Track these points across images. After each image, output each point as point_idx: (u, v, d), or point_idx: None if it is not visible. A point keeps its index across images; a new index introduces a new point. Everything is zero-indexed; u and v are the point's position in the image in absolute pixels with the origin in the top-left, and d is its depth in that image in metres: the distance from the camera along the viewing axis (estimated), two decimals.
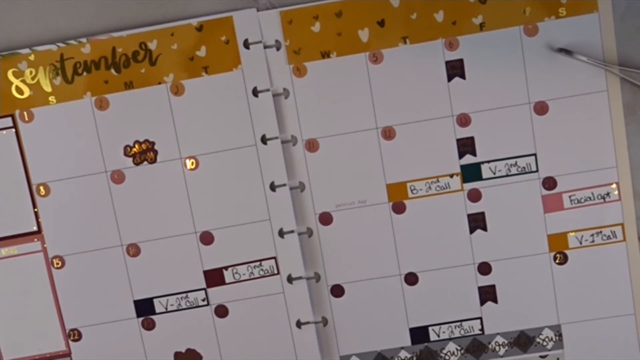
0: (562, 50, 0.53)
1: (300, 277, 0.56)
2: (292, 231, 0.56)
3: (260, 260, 0.56)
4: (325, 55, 0.54)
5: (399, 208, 0.55)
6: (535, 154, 0.54)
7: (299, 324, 0.56)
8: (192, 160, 0.55)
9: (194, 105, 0.55)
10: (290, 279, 0.56)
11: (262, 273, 0.56)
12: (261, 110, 0.55)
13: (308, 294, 0.56)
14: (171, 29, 0.54)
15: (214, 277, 0.56)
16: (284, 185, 0.55)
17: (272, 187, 0.55)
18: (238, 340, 0.57)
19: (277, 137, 0.55)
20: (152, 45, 0.54)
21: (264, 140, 0.55)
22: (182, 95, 0.55)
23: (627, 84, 0.53)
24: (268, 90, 0.55)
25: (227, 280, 0.56)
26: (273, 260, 0.56)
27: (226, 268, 0.56)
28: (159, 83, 0.55)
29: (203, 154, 0.55)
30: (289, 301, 0.56)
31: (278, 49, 0.54)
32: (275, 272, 0.56)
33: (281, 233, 0.56)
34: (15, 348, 0.58)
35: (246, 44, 0.54)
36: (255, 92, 0.54)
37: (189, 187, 0.55)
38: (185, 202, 0.55)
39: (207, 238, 0.56)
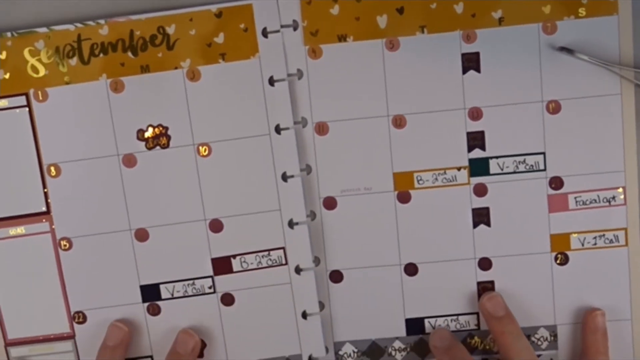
0: (563, 48, 0.53)
1: (308, 269, 0.56)
2: (302, 222, 0.55)
3: (268, 250, 0.56)
4: (341, 38, 0.54)
5: (404, 197, 0.55)
6: (544, 153, 0.54)
7: (304, 315, 0.56)
8: (205, 147, 0.55)
9: (209, 92, 0.54)
10: (298, 270, 0.56)
11: (270, 263, 0.56)
12: (277, 99, 0.54)
13: (315, 285, 0.56)
14: (190, 14, 0.54)
15: (222, 265, 0.56)
16: (296, 175, 0.55)
17: (284, 177, 0.55)
18: (243, 328, 0.57)
19: (291, 127, 0.54)
20: (171, 30, 0.54)
21: (277, 129, 0.55)
22: (198, 81, 0.54)
23: None
24: (284, 79, 0.54)
25: (234, 269, 0.56)
26: (282, 251, 0.56)
27: (234, 256, 0.56)
28: (176, 68, 0.55)
29: (216, 141, 0.55)
30: (296, 292, 0.56)
31: (295, 29, 0.54)
32: (284, 262, 0.56)
33: (291, 224, 0.55)
34: (19, 328, 0.57)
35: (264, 33, 0.54)
36: (271, 81, 0.54)
37: (201, 174, 0.55)
38: (196, 189, 0.55)
39: (216, 226, 0.56)
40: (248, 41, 0.54)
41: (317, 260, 0.55)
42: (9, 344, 0.58)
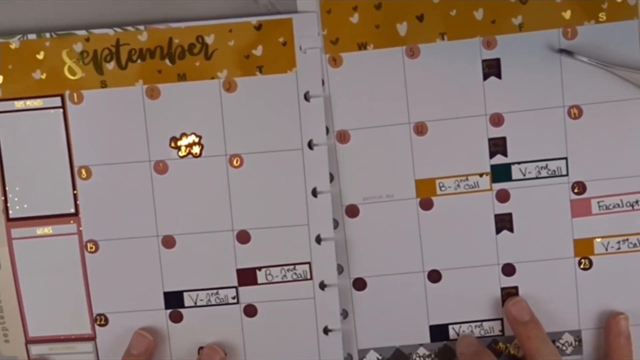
0: (563, 51, 0.53)
1: (332, 285, 0.56)
2: (329, 238, 0.55)
3: (294, 264, 0.56)
4: (362, 46, 0.54)
5: (426, 204, 0.55)
6: (566, 158, 0.54)
7: (326, 331, 0.56)
8: (237, 158, 0.55)
9: (244, 104, 0.55)
10: (322, 286, 0.56)
11: (295, 277, 0.56)
12: (311, 115, 0.55)
13: (339, 302, 0.56)
14: (230, 25, 0.54)
15: (247, 277, 0.56)
16: (326, 192, 0.55)
17: (314, 193, 0.55)
18: (264, 341, 0.57)
19: (324, 144, 0.55)
20: (209, 40, 0.54)
21: (310, 145, 0.55)
22: (234, 92, 0.55)
23: None
24: (320, 95, 0.54)
25: (259, 281, 0.56)
26: (307, 266, 0.56)
27: (260, 269, 0.56)
28: (212, 78, 0.55)
29: (248, 153, 0.55)
30: (319, 307, 0.56)
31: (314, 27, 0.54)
32: (309, 277, 0.56)
33: (318, 239, 0.56)
34: (41, 326, 0.58)
35: (302, 48, 0.54)
36: (307, 97, 0.55)
37: (231, 184, 0.55)
38: (225, 199, 0.55)
39: (243, 237, 0.56)
40: (286, 55, 0.55)
41: (340, 269, 0.55)
42: (29, 341, 0.58)
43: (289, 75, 0.55)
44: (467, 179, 0.55)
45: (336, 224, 0.55)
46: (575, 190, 0.54)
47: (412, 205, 0.55)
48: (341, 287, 0.56)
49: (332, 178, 0.55)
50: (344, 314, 0.56)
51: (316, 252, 0.56)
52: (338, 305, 0.56)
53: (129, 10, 0.55)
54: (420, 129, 0.54)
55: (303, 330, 0.57)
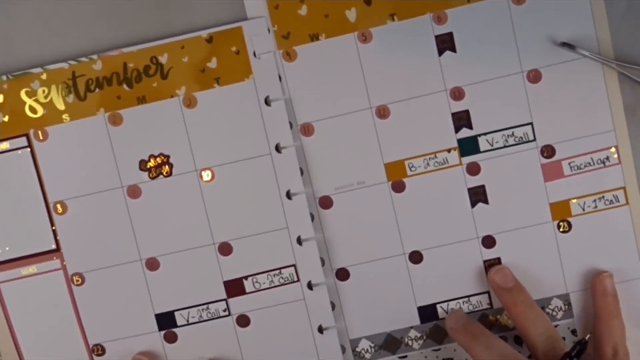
0: (565, 44, 0.53)
1: (320, 283, 0.56)
2: (310, 238, 0.55)
3: (279, 269, 0.56)
4: (314, 37, 0.54)
5: (398, 187, 0.55)
6: (531, 123, 0.54)
7: (320, 329, 0.56)
8: (208, 171, 0.55)
9: (207, 117, 0.55)
10: (310, 286, 0.56)
11: (282, 281, 0.56)
12: (274, 118, 0.55)
13: (329, 299, 0.56)
14: (181, 41, 0.54)
15: (234, 287, 0.56)
16: (300, 193, 0.55)
17: (289, 195, 0.55)
18: (260, 348, 0.57)
19: (291, 146, 0.55)
20: (163, 59, 0.55)
21: (278, 148, 0.55)
22: (195, 107, 0.55)
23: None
24: (280, 99, 0.54)
25: (247, 290, 0.56)
26: (292, 268, 0.56)
27: (246, 278, 0.56)
28: (172, 96, 0.55)
29: (218, 165, 0.55)
30: (310, 307, 0.56)
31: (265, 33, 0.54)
32: (295, 279, 0.56)
33: (299, 240, 0.56)
34: None
35: (256, 54, 0.54)
36: (267, 101, 0.55)
37: (206, 198, 0.55)
38: (202, 214, 0.56)
39: (225, 249, 0.56)
40: (241, 63, 0.55)
41: (322, 261, 0.55)
42: None
43: (246, 83, 0.55)
44: (435, 157, 0.54)
45: (312, 217, 0.55)
46: (545, 154, 0.54)
47: (384, 190, 0.55)
48: (325, 280, 0.56)
49: (302, 172, 0.55)
50: (332, 306, 0.56)
51: (299, 253, 0.56)
52: (329, 303, 0.56)
53: (80, 42, 0.55)
54: (383, 112, 0.54)
55: (298, 332, 0.57)
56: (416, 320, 0.56)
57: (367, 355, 0.57)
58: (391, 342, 0.57)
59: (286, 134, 0.54)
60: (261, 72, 0.54)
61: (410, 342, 0.57)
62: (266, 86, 0.54)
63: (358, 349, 0.57)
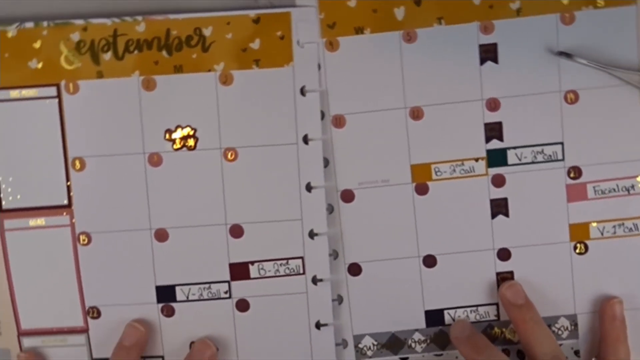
0: (562, 53, 0.53)
1: (325, 279, 0.56)
2: (322, 233, 0.55)
3: (287, 259, 0.56)
4: (359, 31, 0.54)
5: (422, 189, 0.55)
6: (562, 143, 0.54)
7: (318, 325, 0.56)
8: (232, 151, 0.55)
9: (240, 97, 0.54)
10: (315, 280, 0.56)
11: (287, 272, 0.56)
12: (307, 109, 0.54)
13: (331, 296, 0.56)
14: (228, 17, 0.54)
15: (239, 271, 0.56)
16: (320, 187, 0.55)
17: (308, 187, 0.55)
18: (256, 335, 0.57)
19: (319, 138, 0.54)
20: (207, 32, 0.54)
21: (305, 140, 0.54)
22: (230, 85, 0.54)
23: None
24: (316, 90, 0.54)
25: (252, 275, 0.56)
26: (300, 260, 0.56)
27: (252, 263, 0.56)
28: (209, 70, 0.55)
29: (243, 147, 0.55)
30: (311, 302, 0.56)
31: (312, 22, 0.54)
32: (301, 272, 0.56)
33: (312, 234, 0.55)
34: (33, 318, 0.57)
35: (300, 42, 0.54)
36: (303, 91, 0.54)
37: (225, 178, 0.55)
38: (219, 193, 0.55)
39: (236, 231, 0.56)
40: (283, 49, 0.54)
41: (335, 253, 0.55)
42: (22, 333, 0.57)
43: (285, 70, 0.54)
44: (462, 164, 0.55)
45: (331, 209, 0.55)
46: (571, 175, 0.54)
47: (407, 190, 0.55)
48: (336, 273, 0.56)
49: (327, 163, 0.55)
50: (339, 299, 0.56)
51: (309, 247, 0.55)
52: (330, 300, 0.56)
53: (127, 1, 0.54)
54: (416, 113, 0.54)
55: (295, 325, 0.57)
56: (422, 324, 0.56)
57: (369, 353, 0.57)
58: (394, 342, 0.57)
59: (316, 126, 0.54)
60: (301, 61, 0.54)
61: (413, 345, 0.57)
62: (304, 76, 0.54)
63: (360, 345, 0.57)
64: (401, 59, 0.54)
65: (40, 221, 0.56)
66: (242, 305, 0.56)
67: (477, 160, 0.55)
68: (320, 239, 0.55)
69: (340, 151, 0.55)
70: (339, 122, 0.55)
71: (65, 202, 0.56)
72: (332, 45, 0.54)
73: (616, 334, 0.54)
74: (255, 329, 0.57)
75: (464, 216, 0.55)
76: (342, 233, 0.56)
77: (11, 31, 0.55)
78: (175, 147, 0.55)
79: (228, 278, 0.56)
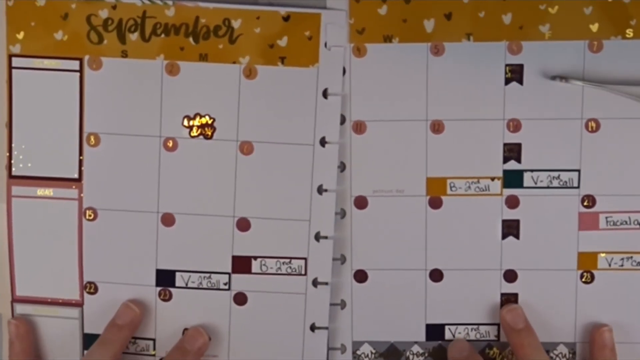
0: (556, 77, 0.53)
1: (325, 283, 0.55)
2: (328, 237, 0.55)
3: (290, 258, 0.56)
4: (387, 39, 0.54)
5: (435, 203, 0.55)
6: (579, 170, 0.54)
7: (312, 328, 0.56)
8: (248, 145, 0.55)
9: (262, 92, 0.55)
10: (315, 283, 0.56)
11: (289, 271, 0.56)
12: (327, 112, 0.55)
13: (329, 300, 0.56)
14: (258, 12, 0.54)
15: (241, 264, 0.56)
16: (331, 190, 0.55)
17: (320, 190, 0.55)
18: (250, 330, 0.57)
19: (336, 142, 0.55)
20: (236, 24, 0.54)
21: (322, 142, 0.55)
22: (254, 79, 0.55)
23: None
24: (339, 94, 0.54)
25: (253, 270, 0.56)
26: (303, 261, 0.56)
27: (255, 258, 0.56)
28: (234, 62, 0.55)
29: (260, 142, 0.55)
30: (309, 304, 0.56)
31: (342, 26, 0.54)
32: (303, 272, 0.56)
33: (317, 237, 0.55)
34: (30, 286, 0.57)
35: (327, 45, 0.54)
36: (325, 94, 0.54)
37: (238, 171, 0.55)
38: (230, 185, 0.55)
39: (243, 224, 0.56)
40: (310, 50, 0.54)
41: (342, 258, 0.55)
42: (15, 299, 0.58)
43: (310, 70, 0.54)
44: (478, 182, 0.55)
45: (343, 213, 0.55)
46: (585, 203, 0.55)
47: (421, 203, 0.55)
48: (342, 278, 0.56)
49: (343, 168, 0.55)
50: (342, 304, 0.56)
51: (314, 249, 0.55)
52: (328, 303, 0.56)
53: None
54: (437, 127, 0.54)
55: (290, 325, 0.57)
56: (422, 337, 0.56)
57: None
58: (393, 352, 0.57)
59: (335, 130, 0.54)
60: (327, 64, 0.54)
61: (411, 357, 0.57)
62: (328, 78, 0.54)
63: (359, 352, 0.57)
64: (427, 71, 0.54)
65: (48, 191, 0.56)
66: (240, 299, 0.56)
67: (493, 179, 0.55)
68: (326, 243, 0.55)
69: (358, 157, 0.55)
70: (359, 127, 0.55)
71: (76, 175, 0.56)
72: (359, 51, 0.54)
73: None
74: (250, 324, 0.57)
75: (474, 234, 0.55)
76: (352, 239, 0.56)
77: (40, 0, 0.55)
78: (192, 134, 0.55)
79: (229, 270, 0.56)
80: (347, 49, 0.54)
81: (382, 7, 0.54)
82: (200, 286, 0.56)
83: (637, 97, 0.52)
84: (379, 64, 0.54)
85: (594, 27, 0.53)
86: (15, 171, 0.56)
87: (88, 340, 0.57)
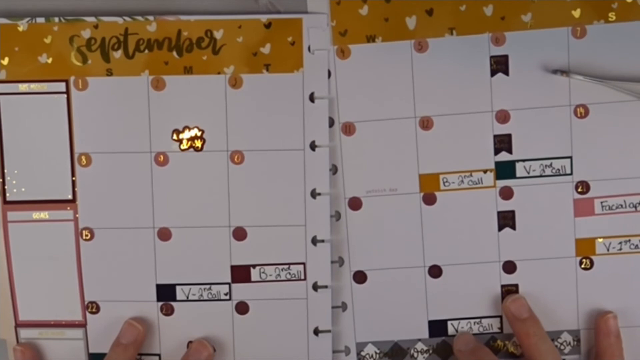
0: (557, 71, 0.53)
1: (325, 286, 0.56)
2: (325, 240, 0.55)
3: (289, 264, 0.56)
4: (370, 39, 0.54)
5: (429, 199, 0.55)
6: (571, 157, 0.54)
7: (316, 332, 0.56)
8: (238, 154, 0.55)
9: (249, 101, 0.55)
10: (315, 287, 0.56)
11: (288, 277, 0.56)
12: (315, 116, 0.55)
13: (330, 303, 0.56)
14: (240, 21, 0.54)
15: (241, 274, 0.56)
16: (325, 194, 0.55)
17: (313, 194, 0.55)
18: (254, 338, 0.57)
19: (326, 145, 0.55)
20: (218, 35, 0.54)
21: (312, 146, 0.55)
22: (240, 88, 0.55)
23: None
24: (325, 97, 0.54)
25: (253, 279, 0.56)
26: (302, 266, 0.56)
27: (254, 266, 0.56)
28: (219, 73, 0.55)
29: (250, 150, 0.55)
30: (311, 308, 0.56)
31: (324, 29, 0.54)
32: (302, 277, 0.56)
33: (314, 241, 0.55)
34: (32, 310, 0.57)
35: (311, 49, 0.54)
36: (312, 98, 0.54)
37: (231, 180, 0.55)
38: (224, 195, 0.55)
39: (240, 234, 0.56)
40: (294, 55, 0.54)
41: (340, 261, 0.55)
42: (19, 325, 0.58)
43: (295, 75, 0.54)
44: (471, 175, 0.54)
45: (338, 216, 0.55)
46: (579, 190, 0.54)
47: (415, 200, 0.55)
48: (341, 280, 0.56)
49: (335, 170, 0.55)
50: (343, 306, 0.56)
51: (311, 253, 0.55)
52: (330, 306, 0.56)
53: (139, 0, 0.55)
54: (426, 123, 0.54)
55: (293, 330, 0.57)
56: (425, 334, 0.56)
57: None
58: (397, 351, 0.57)
59: (324, 133, 0.54)
60: (311, 68, 0.54)
61: (415, 354, 0.57)
62: (314, 82, 0.54)
63: (363, 353, 0.57)
64: (412, 68, 0.54)
65: (43, 214, 0.56)
66: (242, 308, 0.56)
67: (485, 172, 0.55)
68: (323, 246, 0.55)
69: (349, 159, 0.55)
70: (348, 129, 0.55)
71: (70, 196, 0.56)
72: (343, 53, 0.54)
73: (611, 350, 0.54)
74: (254, 332, 0.57)
75: (470, 227, 0.55)
76: (349, 240, 0.56)
77: (22, 25, 0.55)
78: (182, 147, 0.55)
79: (229, 280, 0.56)
80: (331, 51, 0.54)
81: (363, 8, 0.54)
82: (201, 298, 0.56)
83: (634, 93, 0.52)
84: (364, 64, 0.54)
85: (576, 13, 0.53)
86: (9, 197, 0.56)
87: None
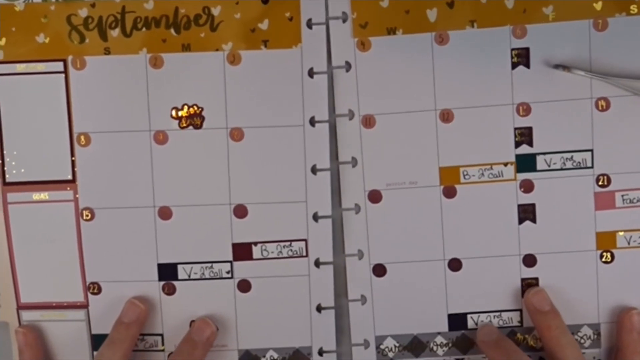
0: (558, 66, 0.53)
1: (327, 262, 0.55)
2: (326, 216, 0.55)
3: (290, 241, 0.56)
4: (391, 31, 0.54)
5: (449, 192, 0.55)
6: (592, 150, 0.54)
7: (319, 309, 0.56)
8: (238, 131, 0.55)
9: (248, 77, 0.54)
10: (317, 263, 0.56)
11: (290, 254, 0.56)
12: (314, 91, 0.54)
13: (333, 279, 0.56)
14: None
15: (242, 251, 0.56)
16: (326, 169, 0.55)
17: (314, 170, 0.55)
18: (256, 316, 0.56)
19: (326, 121, 0.54)
20: (216, 11, 0.54)
21: (312, 122, 0.54)
22: (238, 65, 0.54)
23: None
24: (324, 72, 0.54)
25: (254, 256, 0.56)
26: (303, 243, 0.56)
27: (255, 244, 0.56)
28: (217, 50, 0.54)
29: (249, 127, 0.55)
30: (313, 285, 0.56)
31: (344, 21, 0.54)
32: (304, 254, 0.56)
33: (315, 217, 0.55)
34: (33, 292, 0.57)
35: (309, 24, 0.54)
36: (310, 73, 0.54)
37: (231, 158, 0.55)
38: (224, 173, 0.55)
39: (241, 211, 0.55)
40: (292, 30, 0.54)
41: (360, 254, 0.55)
42: (21, 307, 0.57)
43: (293, 51, 0.54)
44: (491, 168, 0.54)
45: (358, 209, 0.55)
46: (600, 183, 0.54)
47: (435, 193, 0.55)
48: (361, 273, 0.56)
49: (355, 162, 0.55)
50: (363, 300, 0.56)
51: (313, 229, 0.55)
52: (332, 283, 0.56)
53: None
54: (447, 116, 0.54)
55: (296, 307, 0.56)
56: (445, 327, 0.56)
57: (390, 354, 0.57)
58: (416, 344, 0.56)
59: (323, 108, 0.54)
60: (310, 43, 0.54)
61: (435, 348, 0.56)
62: (312, 58, 0.54)
63: (382, 347, 0.56)
64: (432, 61, 0.54)
65: (43, 195, 0.56)
66: (244, 286, 0.56)
67: (506, 164, 0.54)
68: (324, 222, 0.55)
69: (369, 151, 0.55)
70: (368, 122, 0.55)
71: (70, 177, 0.56)
72: (363, 45, 0.54)
73: (634, 346, 0.53)
74: (256, 310, 0.56)
75: (491, 221, 0.55)
76: (368, 233, 0.56)
77: (19, 5, 0.54)
78: (181, 125, 0.55)
79: (231, 258, 0.56)
80: (352, 44, 0.54)
81: (383, 0, 0.53)
82: (203, 277, 0.56)
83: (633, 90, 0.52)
84: (384, 56, 0.54)
85: (598, 6, 0.53)
86: (9, 178, 0.56)
87: (96, 340, 0.57)
